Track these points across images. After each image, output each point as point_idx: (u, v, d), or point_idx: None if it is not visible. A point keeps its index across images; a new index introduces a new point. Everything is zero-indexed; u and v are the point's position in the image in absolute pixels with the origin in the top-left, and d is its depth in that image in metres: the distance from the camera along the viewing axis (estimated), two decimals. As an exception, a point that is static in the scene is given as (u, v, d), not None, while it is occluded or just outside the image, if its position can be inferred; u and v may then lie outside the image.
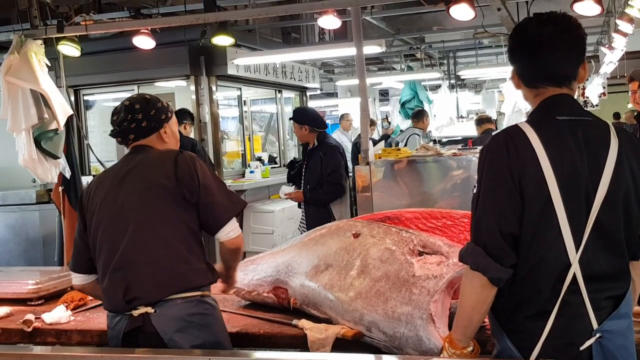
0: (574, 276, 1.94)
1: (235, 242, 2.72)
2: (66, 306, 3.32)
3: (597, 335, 1.95)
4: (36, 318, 3.17)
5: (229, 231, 2.68)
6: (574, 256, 1.94)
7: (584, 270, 1.95)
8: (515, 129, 2.05)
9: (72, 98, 7.78)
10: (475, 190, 2.06)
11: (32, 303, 3.53)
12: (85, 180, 6.32)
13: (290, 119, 5.52)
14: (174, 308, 2.56)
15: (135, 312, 2.56)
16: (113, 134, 2.87)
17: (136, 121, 2.78)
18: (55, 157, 5.08)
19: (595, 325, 1.96)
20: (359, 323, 2.65)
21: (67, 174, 5.17)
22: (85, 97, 8.85)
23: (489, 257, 1.97)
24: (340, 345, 2.72)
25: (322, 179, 5.68)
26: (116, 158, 9.72)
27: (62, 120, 5.02)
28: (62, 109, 5.02)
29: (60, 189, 5.17)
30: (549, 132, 2.01)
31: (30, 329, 3.10)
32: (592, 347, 1.95)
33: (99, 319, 3.22)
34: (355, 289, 2.72)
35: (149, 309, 2.55)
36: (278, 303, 3.11)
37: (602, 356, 1.95)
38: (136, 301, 2.57)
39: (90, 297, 3.49)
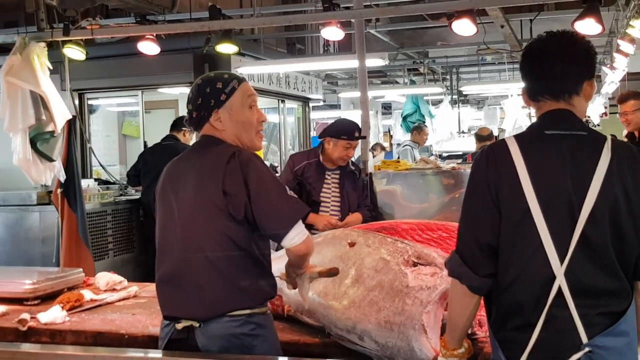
0: (560, 290, 1.94)
1: (300, 249, 2.48)
2: (62, 307, 3.32)
3: (586, 349, 1.93)
4: (31, 318, 3.18)
5: (293, 237, 2.44)
6: (558, 269, 1.94)
7: (571, 284, 1.94)
8: (499, 143, 2.09)
9: (76, 101, 7.82)
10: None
11: (29, 303, 3.54)
12: (86, 183, 6.36)
13: (358, 137, 4.58)
14: (219, 326, 2.44)
15: (179, 325, 2.48)
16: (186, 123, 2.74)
17: (189, 112, 2.63)
18: (50, 160, 5.10)
19: (585, 340, 1.93)
20: (352, 332, 2.66)
21: (62, 178, 5.18)
22: (90, 101, 8.89)
23: (465, 266, 2.03)
24: (332, 354, 2.75)
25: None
26: (118, 162, 9.78)
27: (60, 124, 5.04)
28: (60, 112, 5.04)
29: (59, 191, 5.19)
30: (532, 145, 2.03)
31: (25, 328, 3.11)
32: None
33: (94, 320, 3.24)
34: (349, 298, 2.73)
35: (194, 323, 2.47)
36: (272, 310, 3.12)
37: None
38: (180, 317, 2.50)
39: (86, 299, 3.52)
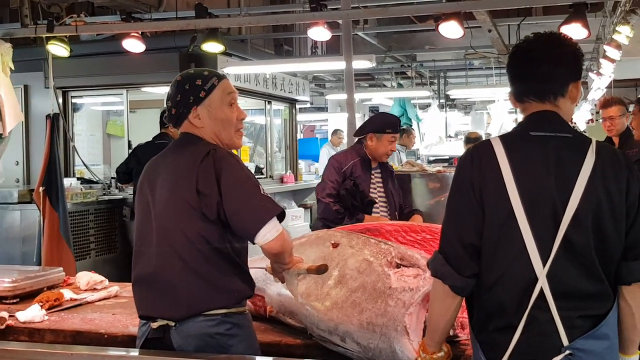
0: (541, 292, 1.93)
1: (272, 246, 2.41)
2: (41, 305, 3.28)
3: (567, 352, 1.92)
4: (10, 316, 3.14)
5: (265, 234, 2.38)
6: (540, 271, 1.93)
7: (553, 286, 1.93)
8: (484, 143, 2.07)
9: (60, 99, 7.74)
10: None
11: (8, 301, 3.49)
12: (68, 182, 6.30)
13: (401, 127, 4.55)
14: (194, 325, 2.42)
15: (155, 325, 2.46)
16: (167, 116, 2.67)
17: (168, 109, 2.60)
18: None
19: (565, 342, 1.93)
20: (334, 333, 2.64)
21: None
22: (74, 100, 8.81)
23: (448, 266, 2.01)
24: (314, 355, 2.72)
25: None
26: (102, 162, 9.70)
27: (9, 127, 4.94)
28: (13, 115, 4.94)
29: (41, 189, 5.13)
30: (516, 146, 2.02)
31: (3, 327, 3.06)
32: None
33: (73, 320, 3.20)
34: (331, 299, 2.71)
35: (170, 323, 2.44)
36: (254, 311, 3.09)
37: None
38: (155, 317, 2.48)
39: (66, 298, 3.47)
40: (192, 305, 2.43)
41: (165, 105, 2.64)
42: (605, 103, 5.11)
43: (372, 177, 4.56)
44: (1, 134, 4.96)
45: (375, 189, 4.56)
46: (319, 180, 4.73)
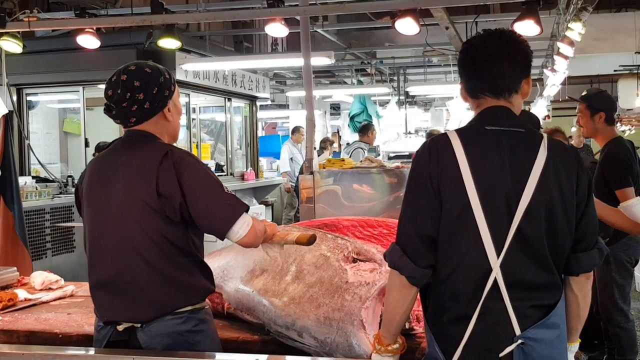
0: (495, 282, 1.97)
1: (247, 241, 2.42)
2: (-6, 306, 3.23)
3: (519, 341, 1.96)
4: (-39, 317, 3.08)
5: (237, 231, 2.38)
6: (495, 262, 1.97)
7: (506, 277, 1.97)
8: (441, 136, 2.10)
9: (15, 97, 7.59)
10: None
11: (-41, 302, 3.42)
12: (23, 180, 6.17)
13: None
14: (161, 324, 2.40)
15: (120, 327, 2.42)
16: (111, 115, 2.51)
17: (137, 102, 2.44)
18: None
19: (518, 332, 1.97)
20: (291, 328, 2.64)
21: None
22: (29, 97, 8.66)
23: (406, 257, 2.02)
24: (271, 351, 2.72)
25: None
26: (59, 160, 9.54)
27: None
28: None
29: (-6, 188, 5.01)
30: (472, 140, 2.05)
31: (-47, 329, 3.00)
32: (513, 354, 1.97)
33: (27, 320, 3.15)
34: (288, 294, 2.71)
35: (135, 324, 2.41)
36: (212, 308, 3.08)
37: None
38: (121, 320, 2.43)
39: (20, 298, 3.41)
40: (160, 306, 2.41)
41: (111, 93, 2.47)
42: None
43: None
44: None
45: None
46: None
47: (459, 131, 2.09)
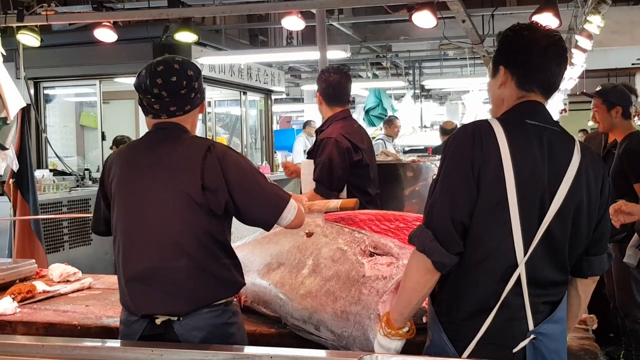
0: (519, 278, 1.96)
1: (295, 223, 2.54)
2: (13, 298, 3.25)
3: (532, 336, 1.97)
4: (-19, 309, 3.10)
5: (286, 217, 2.49)
6: (521, 258, 1.95)
7: (529, 274, 1.96)
8: (484, 123, 2.04)
9: (32, 90, 7.64)
10: (434, 177, 2.07)
11: (-22, 294, 3.45)
12: (40, 173, 6.22)
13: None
14: (199, 317, 2.41)
15: (158, 321, 2.41)
16: (160, 102, 2.45)
17: (194, 90, 2.48)
18: (3, 148, 4.96)
19: (531, 327, 1.98)
20: (308, 322, 2.65)
21: (15, 167, 5.04)
22: (46, 91, 8.71)
23: (436, 241, 1.96)
24: (288, 344, 2.72)
25: None
26: (76, 154, 9.60)
27: (13, 112, 4.88)
28: (14, 99, 4.89)
29: (11, 181, 5.06)
30: (516, 132, 2.01)
31: (-27, 320, 3.03)
32: (526, 349, 1.97)
33: (45, 312, 3.17)
34: (305, 288, 2.71)
35: (172, 317, 2.41)
36: (229, 301, 3.09)
37: (535, 359, 1.97)
38: (159, 314, 2.42)
39: (39, 290, 3.44)
40: (199, 299, 2.42)
41: (160, 81, 2.42)
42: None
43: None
44: (5, 117, 4.87)
45: None
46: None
47: (502, 121, 2.04)
